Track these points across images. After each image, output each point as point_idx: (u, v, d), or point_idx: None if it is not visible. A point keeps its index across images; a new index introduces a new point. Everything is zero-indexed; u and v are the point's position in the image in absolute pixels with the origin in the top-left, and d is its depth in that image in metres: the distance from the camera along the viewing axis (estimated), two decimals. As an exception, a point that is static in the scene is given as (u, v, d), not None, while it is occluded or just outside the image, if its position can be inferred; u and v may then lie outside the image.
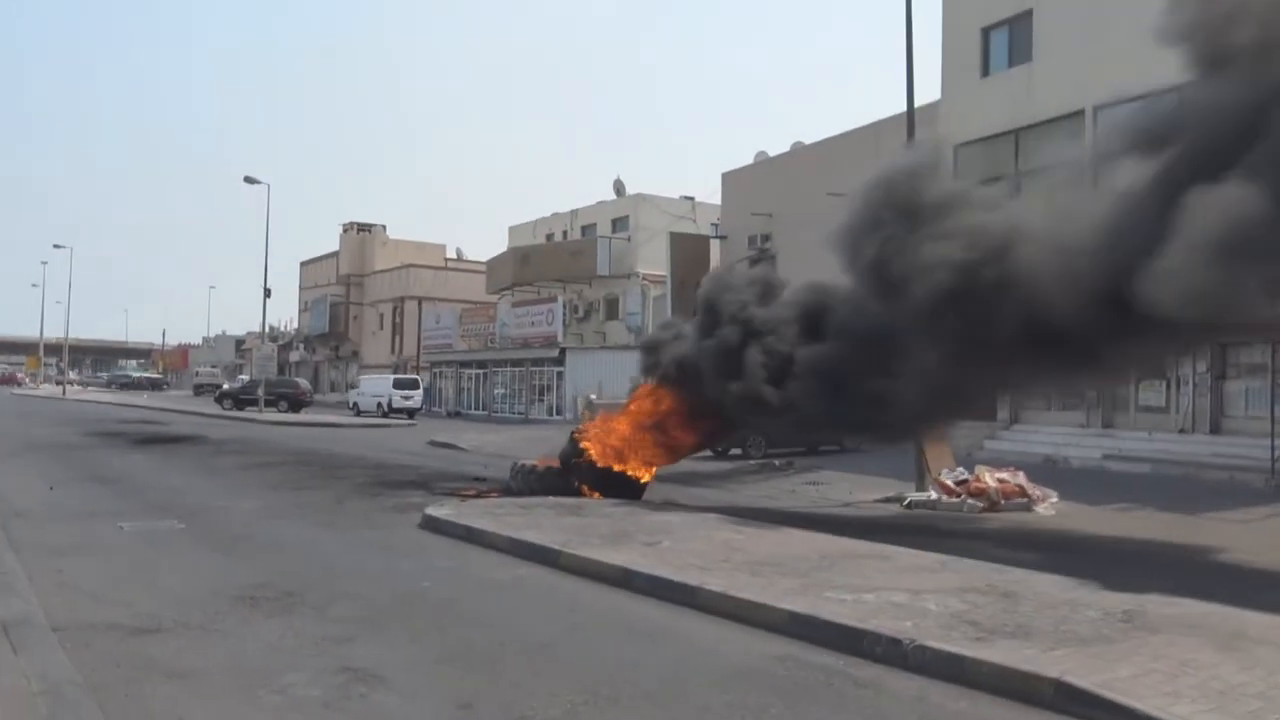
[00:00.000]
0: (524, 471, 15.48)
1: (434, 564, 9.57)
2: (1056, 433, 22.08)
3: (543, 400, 46.38)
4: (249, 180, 44.19)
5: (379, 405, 45.94)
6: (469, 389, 52.45)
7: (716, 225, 40.03)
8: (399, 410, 44.76)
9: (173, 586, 8.31)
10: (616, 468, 14.68)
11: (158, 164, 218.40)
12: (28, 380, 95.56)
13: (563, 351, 45.73)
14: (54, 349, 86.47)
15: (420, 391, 47.51)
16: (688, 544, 9.89)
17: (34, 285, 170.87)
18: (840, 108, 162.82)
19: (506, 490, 15.21)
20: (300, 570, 9.11)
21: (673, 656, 6.49)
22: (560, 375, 45.25)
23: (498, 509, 12.27)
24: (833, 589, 7.88)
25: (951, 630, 6.61)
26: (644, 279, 45.79)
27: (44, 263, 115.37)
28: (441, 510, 12.04)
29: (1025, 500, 14.45)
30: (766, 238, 32.90)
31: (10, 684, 5.37)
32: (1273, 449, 17.52)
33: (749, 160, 39.06)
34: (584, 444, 14.90)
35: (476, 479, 17.27)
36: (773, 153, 37.48)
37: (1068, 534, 12.70)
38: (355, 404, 48.35)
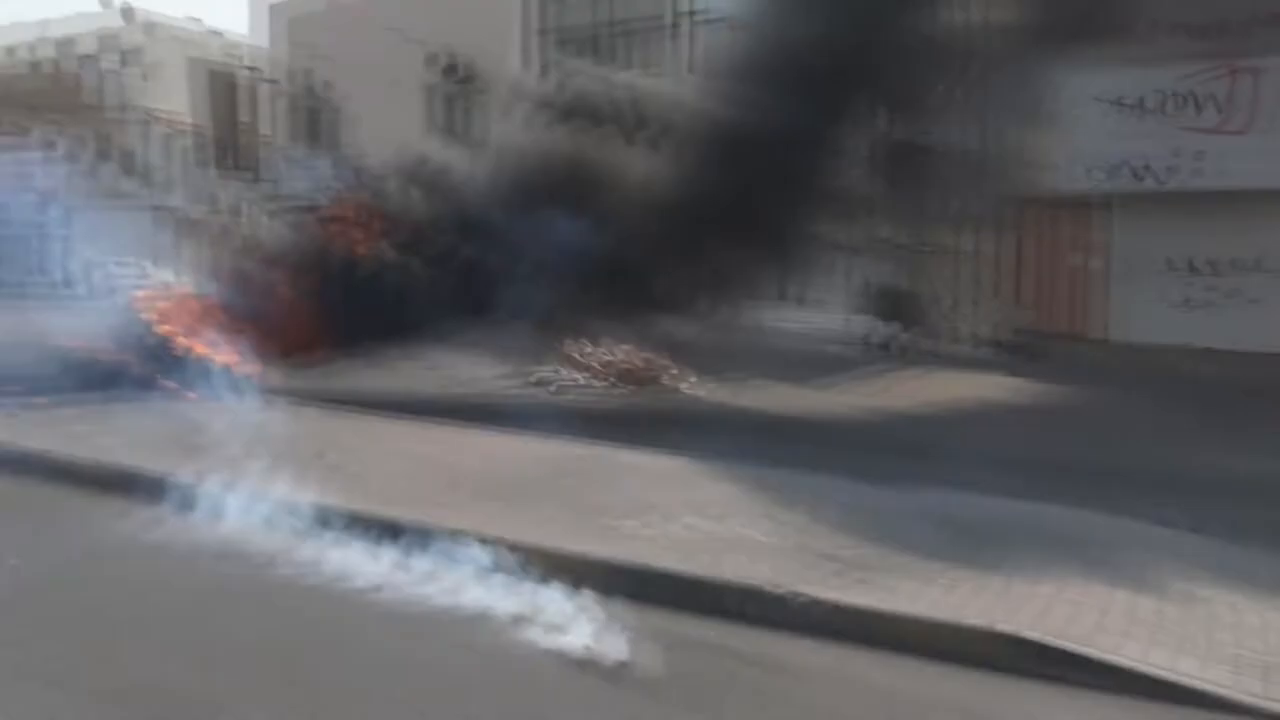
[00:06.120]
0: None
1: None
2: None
3: None
4: None
5: None
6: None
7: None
8: None
9: None
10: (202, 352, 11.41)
11: None
12: None
13: None
14: None
15: None
16: (382, 464, 7.54)
17: None
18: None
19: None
20: None
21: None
22: None
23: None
24: (609, 516, 6.21)
25: (811, 570, 5.28)
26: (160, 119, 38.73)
27: None
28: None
29: (666, 376, 13.62)
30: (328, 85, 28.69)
31: None
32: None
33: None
34: (156, 321, 11.41)
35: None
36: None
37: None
38: None
